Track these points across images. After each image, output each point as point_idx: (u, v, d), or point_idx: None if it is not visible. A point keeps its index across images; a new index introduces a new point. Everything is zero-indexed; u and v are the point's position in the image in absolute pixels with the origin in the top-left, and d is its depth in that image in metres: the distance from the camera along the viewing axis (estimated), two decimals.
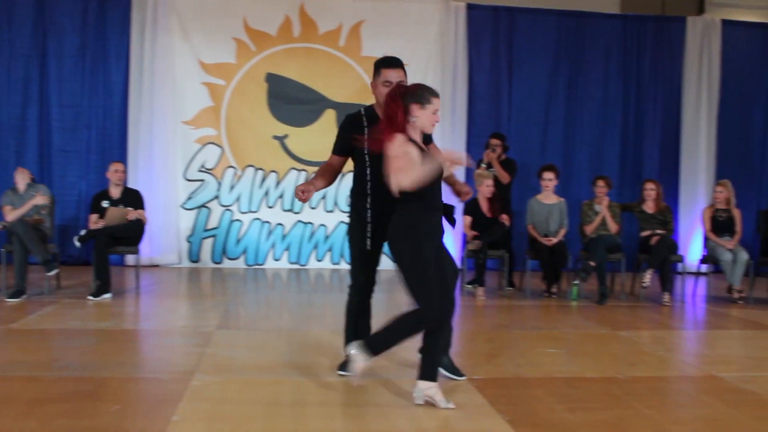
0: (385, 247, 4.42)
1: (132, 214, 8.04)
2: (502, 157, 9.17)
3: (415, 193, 3.84)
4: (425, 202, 3.94)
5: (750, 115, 12.28)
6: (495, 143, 9.15)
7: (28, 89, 10.61)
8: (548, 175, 8.72)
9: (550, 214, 8.68)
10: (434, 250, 3.98)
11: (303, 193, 4.32)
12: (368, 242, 4.52)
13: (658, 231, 8.56)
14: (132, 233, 8.08)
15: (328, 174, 4.63)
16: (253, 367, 4.83)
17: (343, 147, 4.58)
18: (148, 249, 10.32)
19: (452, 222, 4.51)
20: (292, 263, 11.07)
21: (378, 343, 4.02)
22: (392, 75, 4.40)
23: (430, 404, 3.99)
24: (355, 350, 3.95)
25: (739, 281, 8.50)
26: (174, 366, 4.85)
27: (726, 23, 12.03)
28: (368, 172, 4.47)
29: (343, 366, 4.60)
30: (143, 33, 10.59)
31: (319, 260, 11.11)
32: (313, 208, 11.06)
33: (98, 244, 7.65)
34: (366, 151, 4.42)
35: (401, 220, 3.96)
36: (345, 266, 11.01)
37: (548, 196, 8.78)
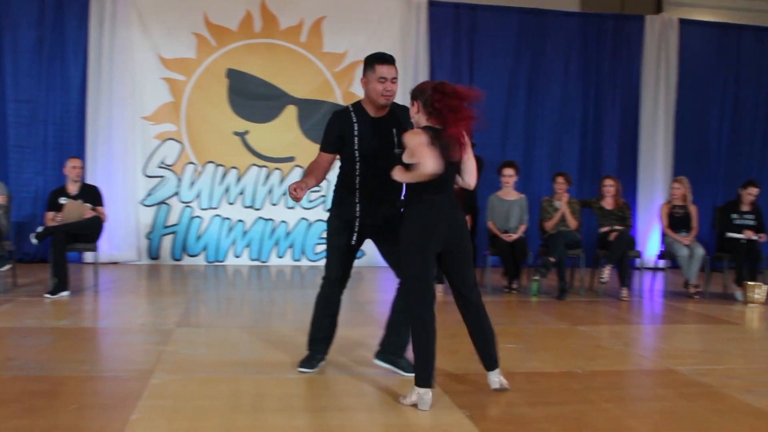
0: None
1: (88, 213, 7.93)
2: None
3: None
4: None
5: (706, 113, 12.49)
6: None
7: None
8: (508, 172, 8.77)
9: (510, 210, 8.73)
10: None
11: (296, 191, 4.28)
12: (354, 237, 4.52)
13: (617, 227, 8.66)
14: (90, 230, 7.98)
15: (318, 172, 4.56)
16: (214, 365, 4.81)
17: (333, 144, 4.54)
18: (106, 246, 10.21)
19: None
20: (252, 260, 11.03)
21: (419, 370, 3.98)
22: (387, 71, 4.34)
23: (394, 401, 4.02)
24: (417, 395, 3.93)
25: (695, 276, 8.64)
26: (133, 364, 4.81)
27: (683, 22, 12.21)
28: (357, 168, 4.44)
29: (304, 363, 4.60)
30: (102, 27, 10.47)
31: (280, 257, 11.09)
32: (274, 205, 11.04)
33: (55, 241, 7.54)
34: (356, 147, 4.42)
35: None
36: (306, 263, 11.00)
37: (508, 192, 8.83)
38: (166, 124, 10.82)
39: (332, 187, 4.68)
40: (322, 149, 4.59)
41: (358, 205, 4.47)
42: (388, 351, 4.62)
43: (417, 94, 4.02)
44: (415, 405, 3.91)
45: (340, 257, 4.59)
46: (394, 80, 4.36)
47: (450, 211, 4.03)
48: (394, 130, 4.45)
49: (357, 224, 4.50)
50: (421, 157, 3.78)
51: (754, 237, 8.61)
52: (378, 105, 4.41)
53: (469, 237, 4.15)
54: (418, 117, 4.02)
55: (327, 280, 4.67)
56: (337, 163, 4.66)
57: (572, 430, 3.64)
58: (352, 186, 4.48)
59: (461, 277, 4.19)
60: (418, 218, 3.99)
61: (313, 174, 4.53)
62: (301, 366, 4.62)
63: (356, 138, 4.44)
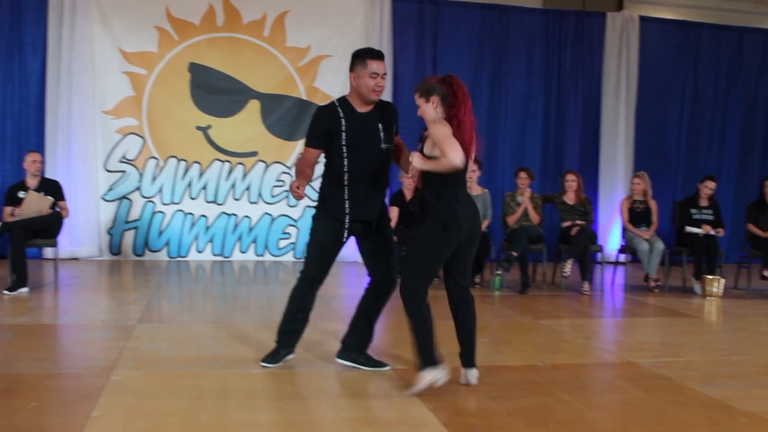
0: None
1: (47, 211, 7.82)
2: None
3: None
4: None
5: (666, 110, 12.67)
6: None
7: None
8: (473, 166, 8.80)
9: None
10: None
11: (299, 189, 4.25)
12: (345, 234, 4.47)
13: (578, 222, 8.75)
14: (50, 226, 7.87)
15: (309, 169, 4.54)
16: (176, 361, 4.78)
17: (321, 139, 4.45)
18: (67, 242, 10.08)
19: None
20: (215, 255, 10.97)
21: (425, 354, 4.12)
22: (378, 67, 4.38)
23: (357, 395, 4.03)
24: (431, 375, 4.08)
25: (655, 270, 8.76)
26: (94, 361, 4.75)
27: (644, 19, 12.37)
28: (346, 164, 4.41)
29: (268, 358, 4.59)
30: (61, 20, 10.32)
31: (243, 252, 11.04)
32: (237, 200, 10.99)
33: (14, 237, 7.43)
34: (344, 142, 4.38)
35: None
36: (269, 258, 10.96)
37: (471, 187, 8.87)
38: (128, 119, 10.71)
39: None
40: (309, 145, 4.51)
41: (347, 201, 4.43)
42: (350, 349, 4.64)
43: (431, 89, 4.15)
44: (431, 385, 4.06)
45: (323, 255, 4.52)
46: (384, 76, 4.40)
47: (472, 204, 4.26)
48: (380, 125, 4.47)
49: (347, 221, 4.45)
50: (450, 148, 3.92)
51: (712, 232, 8.75)
52: (368, 100, 4.42)
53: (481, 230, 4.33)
54: (436, 112, 4.16)
55: (305, 276, 4.57)
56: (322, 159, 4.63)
57: (534, 423, 3.68)
58: (340, 182, 4.43)
59: (464, 270, 4.36)
60: (445, 213, 4.07)
61: (305, 170, 4.49)
62: (265, 361, 4.60)
63: (344, 133, 4.39)
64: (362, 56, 4.42)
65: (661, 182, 11.65)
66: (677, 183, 12.64)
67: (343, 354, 4.67)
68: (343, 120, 4.40)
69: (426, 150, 4.12)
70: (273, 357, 4.63)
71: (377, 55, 4.43)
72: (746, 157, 13.07)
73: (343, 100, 4.50)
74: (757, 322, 6.94)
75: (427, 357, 4.08)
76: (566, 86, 12.22)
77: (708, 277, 8.48)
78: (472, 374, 4.32)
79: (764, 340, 6.07)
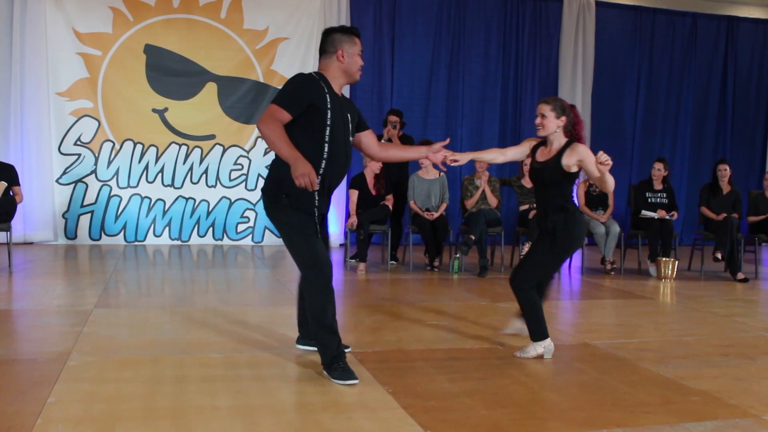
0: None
1: None
2: (399, 133, 9.22)
3: None
4: None
5: (621, 93, 12.84)
6: (394, 120, 9.18)
7: None
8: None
9: (430, 188, 8.81)
10: None
11: (311, 175, 3.67)
12: (319, 229, 4.03)
13: (536, 205, 8.81)
14: (2, 210, 7.75)
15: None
16: (133, 346, 4.74)
17: (300, 107, 3.87)
18: (20, 226, 9.95)
19: None
20: (173, 239, 10.89)
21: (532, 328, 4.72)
22: (361, 45, 4.21)
23: (315, 378, 4.05)
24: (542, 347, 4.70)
25: (611, 253, 8.88)
26: (49, 346, 4.70)
27: (599, 4, 12.52)
28: (325, 150, 3.94)
29: (341, 374, 4.02)
30: None
31: (201, 236, 10.96)
32: (194, 183, 10.90)
33: None
34: (329, 122, 3.92)
35: None
36: (228, 242, 10.90)
37: (428, 171, 8.90)
38: (82, 101, 10.55)
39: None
40: (286, 107, 3.84)
41: (316, 193, 3.96)
42: (307, 335, 4.57)
43: (566, 110, 4.64)
44: (540, 356, 4.64)
45: (317, 240, 4.00)
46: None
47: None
48: (349, 116, 4.18)
49: (317, 217, 4.02)
50: (605, 173, 4.47)
51: (666, 216, 8.87)
52: (353, 80, 4.22)
53: None
54: (557, 131, 4.61)
55: (317, 266, 3.97)
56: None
57: (492, 404, 3.72)
58: (318, 155, 3.95)
59: None
60: (581, 222, 4.64)
61: (285, 142, 3.76)
62: (349, 379, 3.96)
63: (329, 111, 3.97)
64: (349, 33, 4.14)
65: (616, 166, 11.64)
66: (632, 166, 12.84)
67: (302, 340, 4.64)
68: (327, 96, 3.98)
69: (564, 162, 4.56)
70: (342, 370, 4.01)
71: (359, 34, 4.24)
72: (699, 141, 13.31)
73: (322, 77, 4.06)
74: (709, 303, 7.07)
75: (538, 331, 4.66)
76: (523, 70, 12.31)
77: (662, 259, 8.62)
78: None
79: (717, 320, 6.19)
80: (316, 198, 3.97)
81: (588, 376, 4.31)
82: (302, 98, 3.89)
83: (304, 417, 3.48)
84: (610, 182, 4.59)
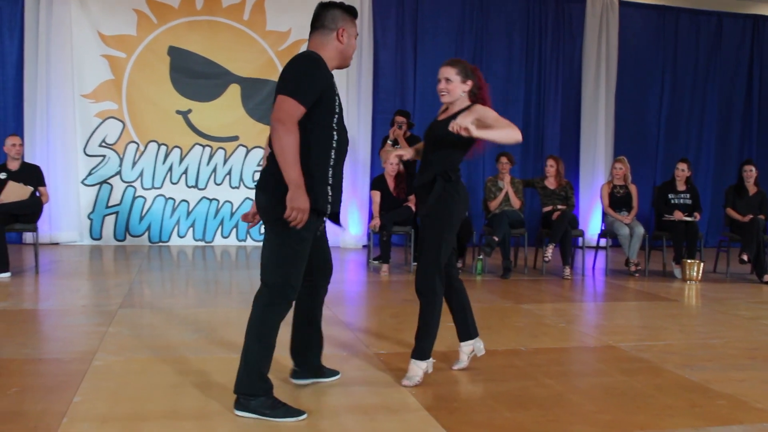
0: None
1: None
2: (407, 134, 9.21)
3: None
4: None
5: (645, 94, 12.74)
6: (400, 120, 9.18)
7: None
8: None
9: None
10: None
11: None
12: (329, 207, 3.54)
13: (559, 206, 8.79)
14: (30, 210, 7.82)
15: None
16: (158, 346, 4.77)
17: (315, 96, 3.39)
18: (47, 226, 10.04)
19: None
20: (197, 240, 10.94)
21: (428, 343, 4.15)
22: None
23: (338, 381, 4.05)
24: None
25: (635, 254, 8.82)
26: (75, 346, 4.74)
27: (623, 4, 12.43)
28: (334, 141, 3.51)
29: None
30: (38, 2, 10.25)
31: (224, 237, 11.01)
32: (218, 184, 10.95)
33: None
34: (337, 111, 3.53)
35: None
36: (251, 243, 10.94)
37: None
38: (107, 102, 10.63)
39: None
40: (304, 101, 3.33)
41: (329, 187, 3.53)
42: (307, 367, 4.05)
43: (471, 74, 4.20)
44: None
45: (304, 260, 3.54)
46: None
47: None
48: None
49: (330, 201, 3.55)
50: (509, 125, 4.01)
51: (688, 218, 8.79)
52: (344, 65, 3.70)
53: None
54: (462, 96, 4.19)
55: (293, 291, 3.53)
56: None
57: (516, 406, 3.71)
58: (325, 165, 3.50)
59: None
60: (462, 194, 4.12)
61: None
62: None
63: (337, 97, 3.55)
64: (351, 13, 3.67)
65: (640, 167, 11.74)
66: (657, 167, 12.74)
67: (299, 374, 4.04)
68: (334, 84, 3.58)
69: (476, 129, 3.84)
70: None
71: (357, 14, 3.77)
72: (725, 141, 13.17)
73: (321, 59, 3.54)
74: (735, 305, 7.01)
75: (427, 346, 4.12)
76: (546, 71, 12.25)
77: (687, 261, 8.55)
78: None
79: (742, 323, 6.14)
80: (329, 194, 3.51)
81: (612, 378, 4.28)
82: (316, 87, 3.40)
83: (328, 419, 3.48)
84: (502, 136, 3.97)
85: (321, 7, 3.65)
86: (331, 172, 3.51)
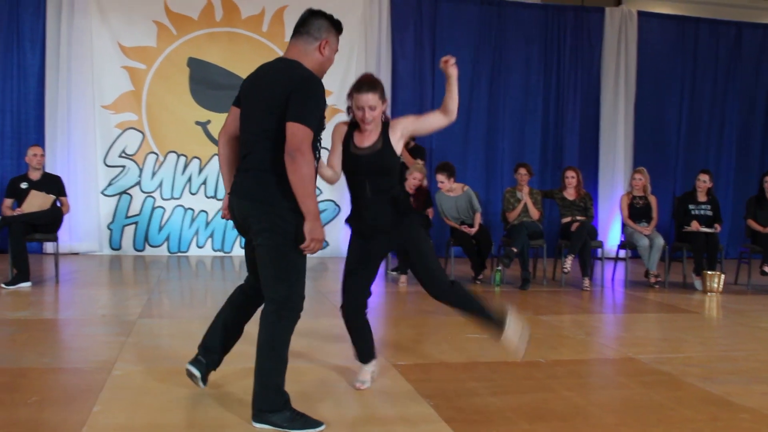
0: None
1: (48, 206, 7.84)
2: (410, 144, 9.17)
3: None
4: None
5: (665, 105, 12.69)
6: None
7: None
8: (440, 177, 8.63)
9: (457, 204, 8.69)
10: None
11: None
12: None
13: (579, 217, 8.75)
14: (50, 220, 7.88)
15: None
16: (177, 356, 4.76)
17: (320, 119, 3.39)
18: (67, 236, 10.11)
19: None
20: (216, 251, 10.97)
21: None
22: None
23: (358, 391, 4.04)
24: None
25: (655, 266, 8.77)
26: (95, 356, 4.76)
27: (642, 15, 12.40)
28: (318, 154, 3.47)
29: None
30: (59, 14, 10.35)
31: (243, 247, 11.01)
32: None
33: (13, 231, 7.43)
34: (324, 127, 3.48)
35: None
36: None
37: (452, 189, 8.75)
38: (127, 113, 10.71)
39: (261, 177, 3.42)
40: (312, 125, 3.28)
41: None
42: (211, 358, 3.92)
43: (383, 90, 3.96)
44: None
45: (303, 271, 3.51)
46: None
47: None
48: None
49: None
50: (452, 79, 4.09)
51: (707, 230, 8.73)
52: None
53: None
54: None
55: (299, 300, 3.50)
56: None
57: (535, 418, 3.68)
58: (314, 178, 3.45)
59: None
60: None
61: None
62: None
63: (324, 113, 3.49)
64: (338, 27, 3.65)
65: (660, 177, 11.69)
66: (677, 178, 12.67)
67: (197, 364, 3.85)
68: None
69: (394, 144, 3.92)
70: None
71: (342, 30, 3.73)
72: (745, 152, 13.09)
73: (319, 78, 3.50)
74: (757, 317, 6.95)
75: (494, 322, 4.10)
76: (565, 82, 12.23)
77: (708, 272, 8.48)
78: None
79: (765, 335, 6.08)
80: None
81: (632, 391, 4.25)
82: (321, 109, 3.38)
83: (346, 430, 3.48)
84: (456, 98, 4.03)
85: (309, 14, 3.63)
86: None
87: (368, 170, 3.89)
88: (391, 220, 3.93)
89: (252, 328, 5.33)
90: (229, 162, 3.72)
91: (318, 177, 3.55)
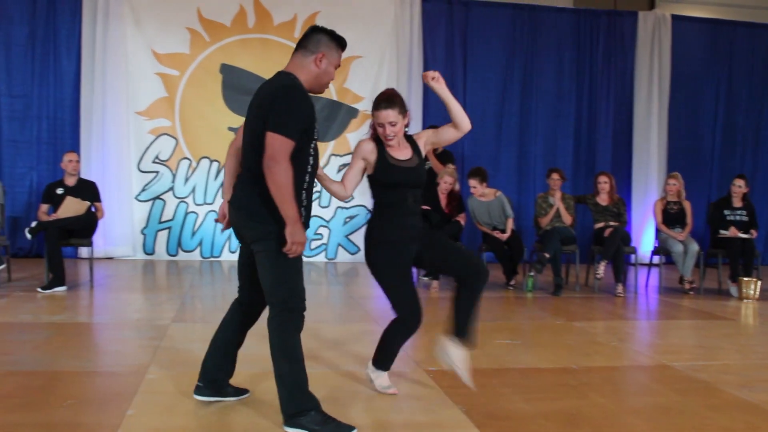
0: None
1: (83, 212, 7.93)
2: (439, 150, 9.16)
3: None
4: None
5: (699, 109, 12.55)
6: None
7: None
8: (472, 182, 8.65)
9: (490, 209, 8.67)
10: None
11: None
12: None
13: (612, 223, 8.68)
14: (85, 225, 7.97)
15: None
16: None
17: (301, 131, 3.43)
18: (101, 241, 10.21)
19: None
20: None
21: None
22: (340, 59, 3.78)
23: (389, 397, 4.03)
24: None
25: (690, 272, 8.67)
26: (129, 359, 4.80)
27: (676, 18, 12.28)
28: (311, 162, 3.53)
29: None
30: (95, 22, 10.47)
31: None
32: None
33: (49, 236, 7.53)
34: (316, 136, 3.56)
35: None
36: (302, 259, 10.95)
37: (484, 194, 8.74)
38: (160, 119, 10.80)
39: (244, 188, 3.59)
40: (291, 135, 3.35)
41: (303, 209, 3.56)
42: (211, 384, 3.93)
43: (402, 103, 3.98)
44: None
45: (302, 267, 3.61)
46: None
47: None
48: None
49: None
50: (442, 92, 4.06)
51: (744, 235, 8.62)
52: (318, 92, 3.72)
53: None
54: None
55: (300, 303, 3.57)
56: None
57: (567, 425, 3.65)
58: (299, 188, 3.49)
59: None
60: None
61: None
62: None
63: (316, 124, 3.57)
64: (337, 41, 3.71)
65: (695, 183, 11.57)
66: (712, 183, 12.52)
67: (204, 390, 3.90)
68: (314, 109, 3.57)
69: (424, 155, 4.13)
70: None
71: (345, 47, 3.80)
72: None
73: (303, 87, 3.57)
74: None
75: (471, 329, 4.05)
76: (598, 86, 12.15)
77: (744, 279, 8.37)
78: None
79: None
80: (303, 214, 3.54)
81: (667, 398, 4.20)
82: (303, 119, 3.42)
83: None
84: (460, 111, 4.05)
85: (311, 30, 3.70)
86: (304, 194, 3.54)
87: (411, 182, 3.97)
88: (421, 231, 4.02)
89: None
90: (232, 172, 3.85)
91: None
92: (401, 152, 3.99)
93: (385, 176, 3.94)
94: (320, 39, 3.65)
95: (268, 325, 3.53)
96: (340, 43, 3.72)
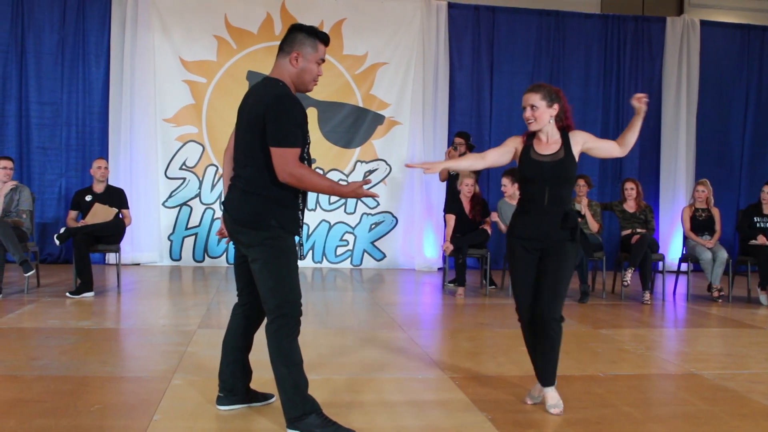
0: None
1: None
2: (464, 152, 9.14)
3: None
4: None
5: (728, 115, 12.42)
6: (458, 141, 9.18)
7: (6, 86, 10.58)
8: (504, 181, 8.61)
9: None
10: None
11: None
12: (300, 230, 3.70)
13: (639, 230, 8.61)
14: (113, 231, 8.03)
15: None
16: None
17: (300, 132, 3.52)
18: (129, 247, 10.29)
19: None
20: None
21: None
22: (324, 54, 3.72)
23: (414, 403, 4.02)
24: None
25: (718, 280, 8.58)
26: (155, 365, 4.83)
27: (704, 24, 12.17)
28: (307, 150, 3.62)
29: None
30: (123, 30, 10.57)
31: (300, 259, 11.06)
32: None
33: (77, 242, 7.60)
34: (309, 141, 3.65)
35: None
36: (327, 264, 11.00)
37: (513, 196, 8.72)
38: (188, 126, 10.88)
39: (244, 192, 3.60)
40: (294, 143, 3.44)
41: (300, 213, 3.65)
42: (235, 393, 3.93)
43: (557, 97, 4.18)
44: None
45: (297, 270, 3.68)
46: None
47: None
48: None
49: (299, 236, 3.70)
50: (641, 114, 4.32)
51: None
52: (303, 90, 3.73)
53: None
54: (551, 123, 4.22)
55: (297, 308, 3.63)
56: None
57: None
58: (295, 192, 3.58)
59: None
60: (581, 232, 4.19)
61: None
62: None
63: (308, 127, 3.65)
64: (312, 35, 3.63)
65: (723, 189, 11.45)
66: (740, 190, 12.38)
67: (226, 399, 3.91)
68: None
69: (574, 151, 4.22)
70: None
71: (327, 40, 3.70)
72: None
73: (292, 94, 3.60)
74: None
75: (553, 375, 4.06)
76: (625, 92, 12.06)
77: None
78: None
79: None
80: (300, 218, 3.65)
81: (694, 407, 4.16)
82: (299, 123, 3.49)
83: None
84: (636, 136, 4.36)
85: (288, 29, 3.70)
86: (300, 198, 3.60)
87: (550, 177, 4.04)
88: (557, 234, 4.00)
89: (316, 334, 5.35)
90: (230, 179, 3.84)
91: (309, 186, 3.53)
92: (549, 147, 4.16)
93: (524, 170, 4.13)
94: (295, 37, 3.64)
95: (266, 332, 3.58)
96: (319, 36, 3.66)
